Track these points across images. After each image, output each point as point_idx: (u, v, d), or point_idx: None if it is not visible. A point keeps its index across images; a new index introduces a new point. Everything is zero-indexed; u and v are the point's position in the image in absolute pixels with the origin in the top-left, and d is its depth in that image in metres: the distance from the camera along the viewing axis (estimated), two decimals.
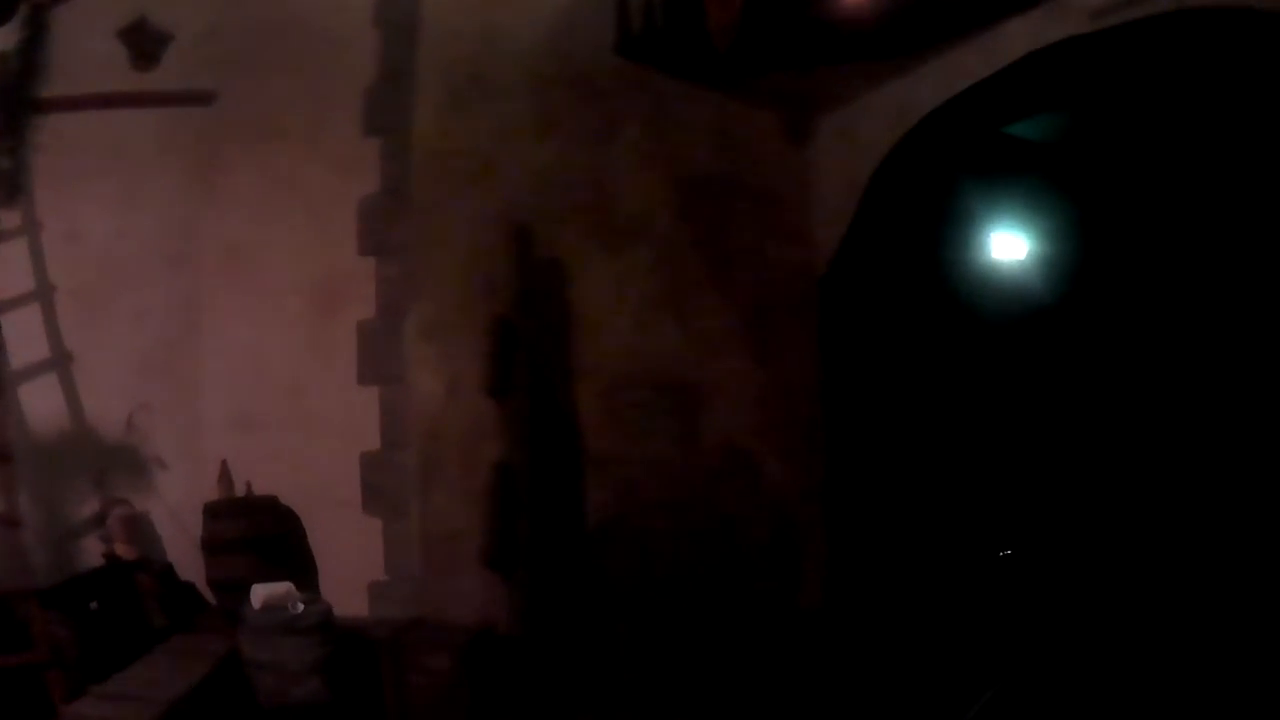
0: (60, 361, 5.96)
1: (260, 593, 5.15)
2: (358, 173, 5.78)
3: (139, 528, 5.75)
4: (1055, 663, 5.48)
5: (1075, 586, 6.32)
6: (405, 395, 5.77)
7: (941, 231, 6.72)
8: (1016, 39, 5.22)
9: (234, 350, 5.93)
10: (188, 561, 5.73)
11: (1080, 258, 7.07)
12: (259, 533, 5.55)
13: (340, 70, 5.85)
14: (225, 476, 5.75)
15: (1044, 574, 6.50)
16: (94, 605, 5.36)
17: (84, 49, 6.03)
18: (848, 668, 5.56)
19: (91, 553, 5.78)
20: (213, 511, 5.66)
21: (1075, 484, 6.89)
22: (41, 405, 5.91)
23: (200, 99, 5.96)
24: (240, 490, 5.79)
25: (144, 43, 6.02)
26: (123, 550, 5.64)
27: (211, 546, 5.59)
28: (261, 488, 5.79)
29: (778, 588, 5.86)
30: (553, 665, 5.49)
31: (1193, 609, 5.72)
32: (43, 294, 5.98)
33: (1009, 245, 7.15)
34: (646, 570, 5.69)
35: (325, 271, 5.83)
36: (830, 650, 5.68)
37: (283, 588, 5.19)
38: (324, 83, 5.87)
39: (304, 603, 5.11)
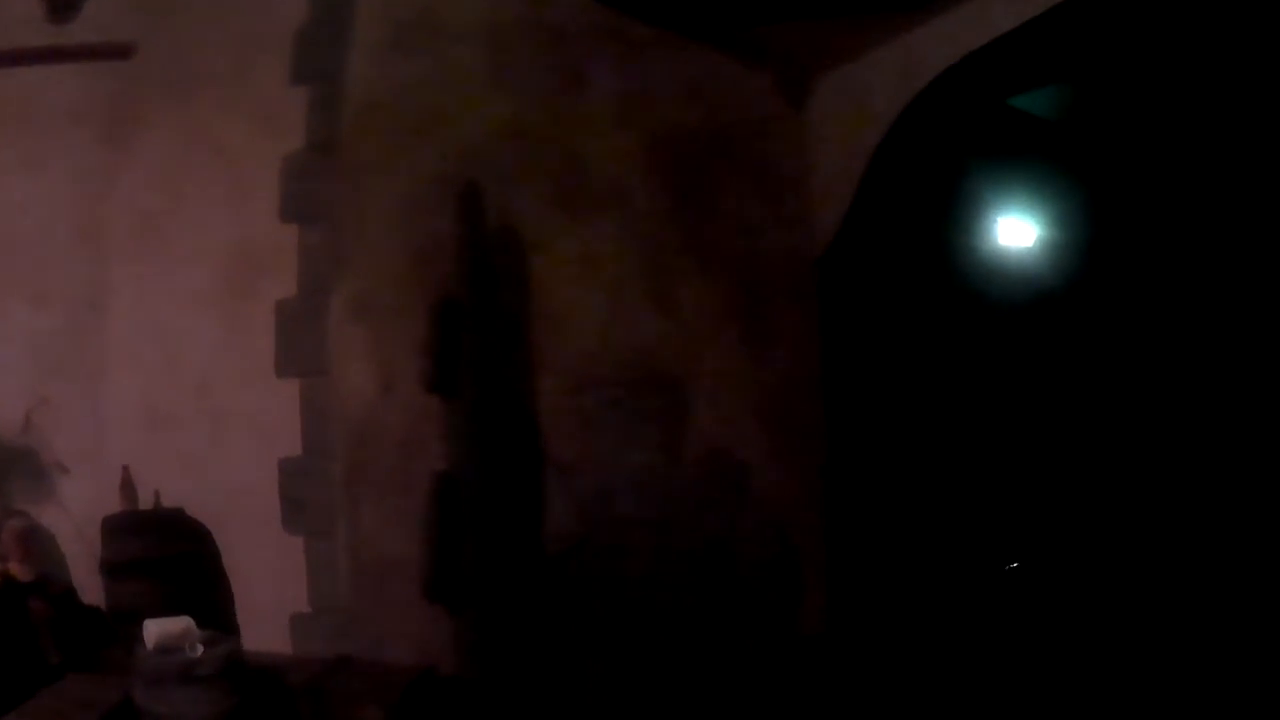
0: None
1: (153, 630, 4.22)
2: (283, 127, 5.06)
3: (37, 543, 4.97)
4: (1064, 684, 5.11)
5: (1089, 600, 5.93)
6: (330, 390, 4.96)
7: (954, 210, 6.03)
8: None
9: (143, 336, 5.22)
10: (95, 584, 4.92)
11: (1097, 243, 6.52)
12: (163, 553, 4.76)
13: (269, 10, 5.13)
14: (128, 485, 5.00)
15: (1057, 588, 6.08)
16: None
17: None
18: (852, 699, 5.02)
19: None
20: (111, 527, 4.87)
21: (1092, 488, 6.41)
22: None
23: (119, 52, 5.29)
24: (147, 501, 5.01)
25: None
26: (17, 570, 4.79)
27: (111, 568, 4.78)
28: (172, 498, 5.02)
29: (774, 613, 5.14)
30: (509, 713, 4.71)
31: (1216, 625, 5.39)
32: None
33: (1025, 228, 6.50)
34: (621, 599, 4.91)
35: (243, 242, 5.11)
36: (833, 680, 5.09)
37: (180, 624, 4.26)
38: (251, 25, 5.16)
39: (204, 643, 4.18)
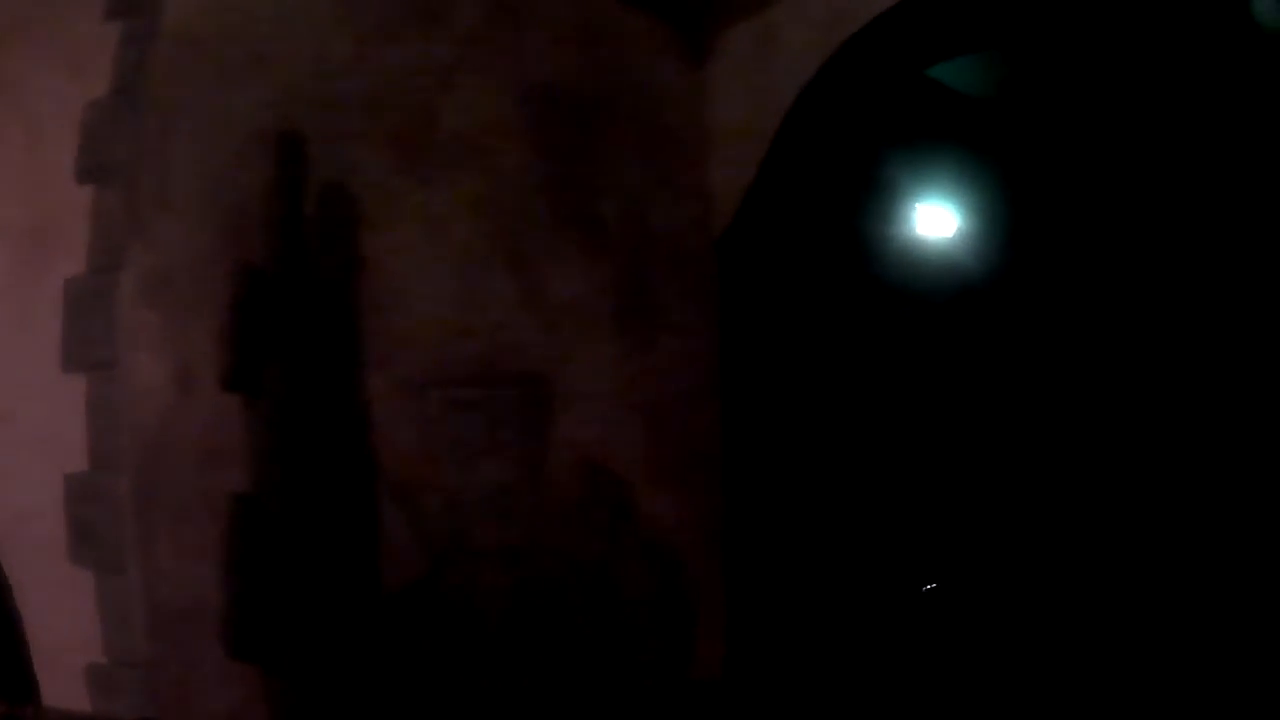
0: None
1: None
2: (91, 70, 4.23)
3: None
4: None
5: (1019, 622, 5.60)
6: (118, 389, 4.03)
7: (875, 190, 5.39)
8: None
9: None
10: None
11: (1027, 234, 6.07)
12: None
13: None
14: None
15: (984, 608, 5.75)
16: None
17: None
18: None
19: None
20: None
21: (1024, 496, 6.09)
22: None
23: None
24: None
25: None
26: None
27: None
28: None
29: (662, 658, 4.37)
30: None
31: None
32: None
33: (951, 214, 5.92)
34: (478, 645, 4.07)
35: (37, 208, 4.29)
36: None
37: None
38: None
39: None
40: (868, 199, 5.38)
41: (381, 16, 4.17)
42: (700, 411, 4.39)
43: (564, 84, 4.36)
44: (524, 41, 4.31)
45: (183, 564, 3.90)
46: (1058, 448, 6.19)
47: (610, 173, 4.38)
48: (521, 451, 4.15)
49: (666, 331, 4.37)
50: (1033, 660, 5.46)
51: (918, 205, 5.84)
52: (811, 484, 5.02)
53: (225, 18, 4.08)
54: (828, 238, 5.02)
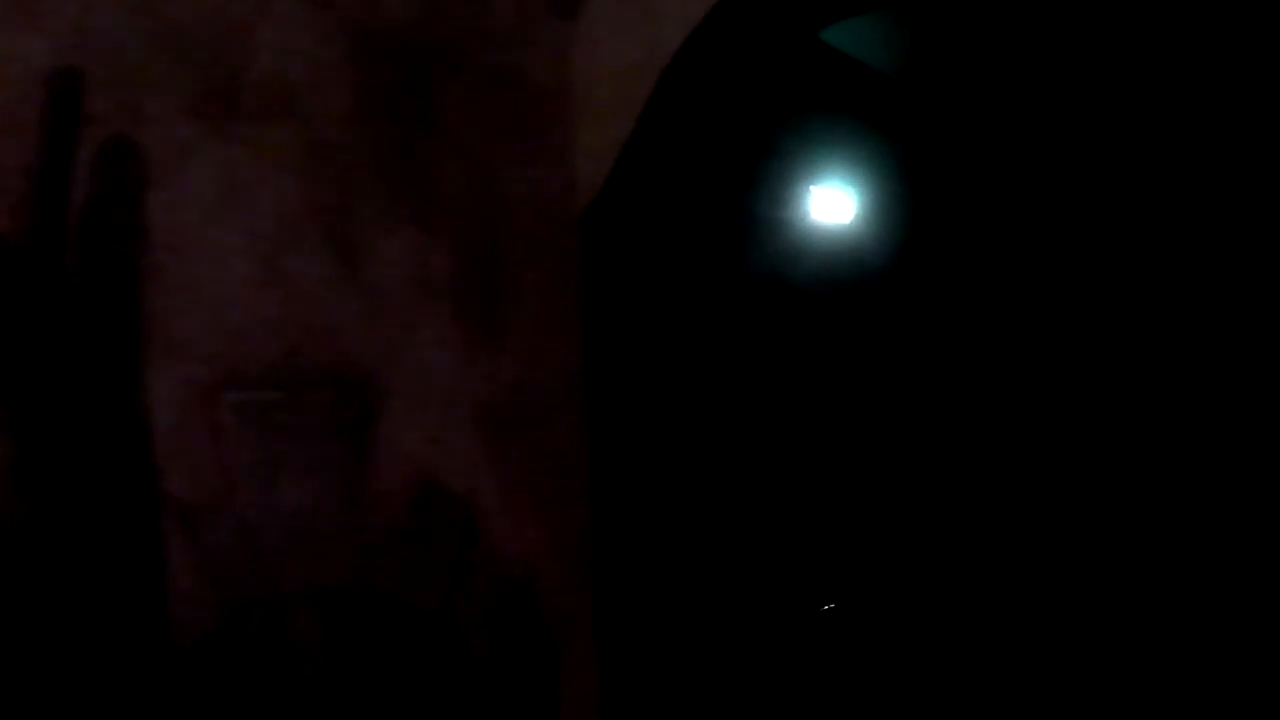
0: None
1: None
2: None
3: None
4: None
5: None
6: None
7: (764, 162, 4.74)
8: None
9: None
10: None
11: (929, 225, 5.54)
12: None
13: None
14: None
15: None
16: None
17: None
18: None
19: None
20: None
21: (925, 506, 5.65)
22: None
23: None
24: None
25: None
26: None
27: None
28: None
29: (520, 716, 3.56)
30: None
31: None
32: None
33: (848, 195, 5.32)
34: (287, 712, 3.26)
35: None
36: None
37: None
38: None
39: None
40: (757, 176, 4.73)
41: None
42: (561, 417, 3.63)
43: (402, 28, 3.63)
44: None
45: None
46: (958, 452, 5.70)
47: (455, 134, 3.65)
48: (338, 468, 3.38)
49: (519, 322, 3.61)
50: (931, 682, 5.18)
51: (812, 187, 5.23)
52: (693, 499, 4.36)
53: None
54: (711, 218, 4.34)
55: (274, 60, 3.45)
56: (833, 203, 5.35)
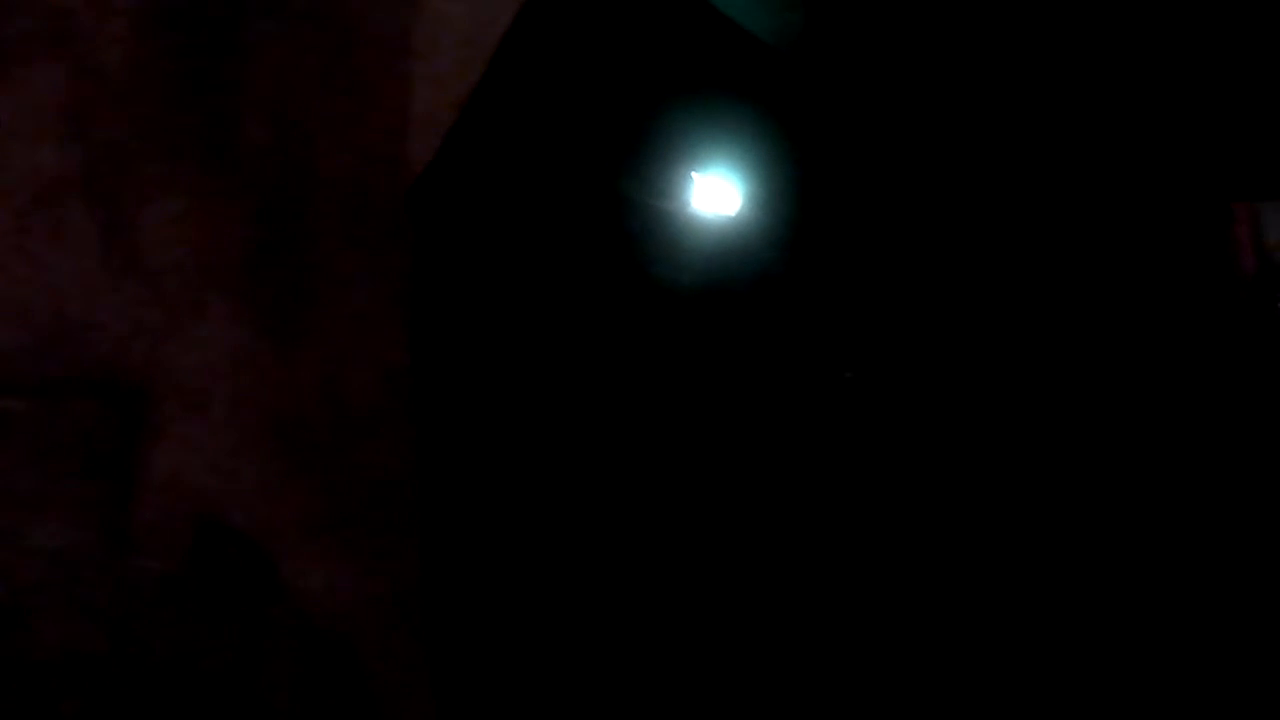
0: None
1: None
2: None
3: None
4: None
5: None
6: None
7: (637, 137, 4.16)
8: None
9: None
10: None
11: (814, 221, 5.02)
12: None
13: None
14: None
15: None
16: None
17: None
18: None
19: None
20: None
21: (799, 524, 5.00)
22: None
23: None
24: None
25: None
26: None
27: None
28: None
29: None
30: None
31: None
32: None
33: (736, 182, 4.79)
34: None
35: None
36: None
37: None
38: None
39: None
40: (629, 157, 4.16)
41: None
42: (380, 433, 3.00)
43: None
44: None
45: None
46: (848, 466, 5.21)
47: (261, 84, 3.00)
48: (99, 500, 2.72)
49: (330, 317, 2.97)
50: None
51: (695, 174, 4.68)
52: (552, 522, 3.74)
53: None
54: (571, 200, 3.75)
55: None
56: (718, 192, 4.82)
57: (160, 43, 2.90)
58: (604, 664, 3.60)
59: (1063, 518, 4.59)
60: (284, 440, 2.83)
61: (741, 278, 4.78)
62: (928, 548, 4.79)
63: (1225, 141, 4.44)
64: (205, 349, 2.78)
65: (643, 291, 4.27)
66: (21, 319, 2.65)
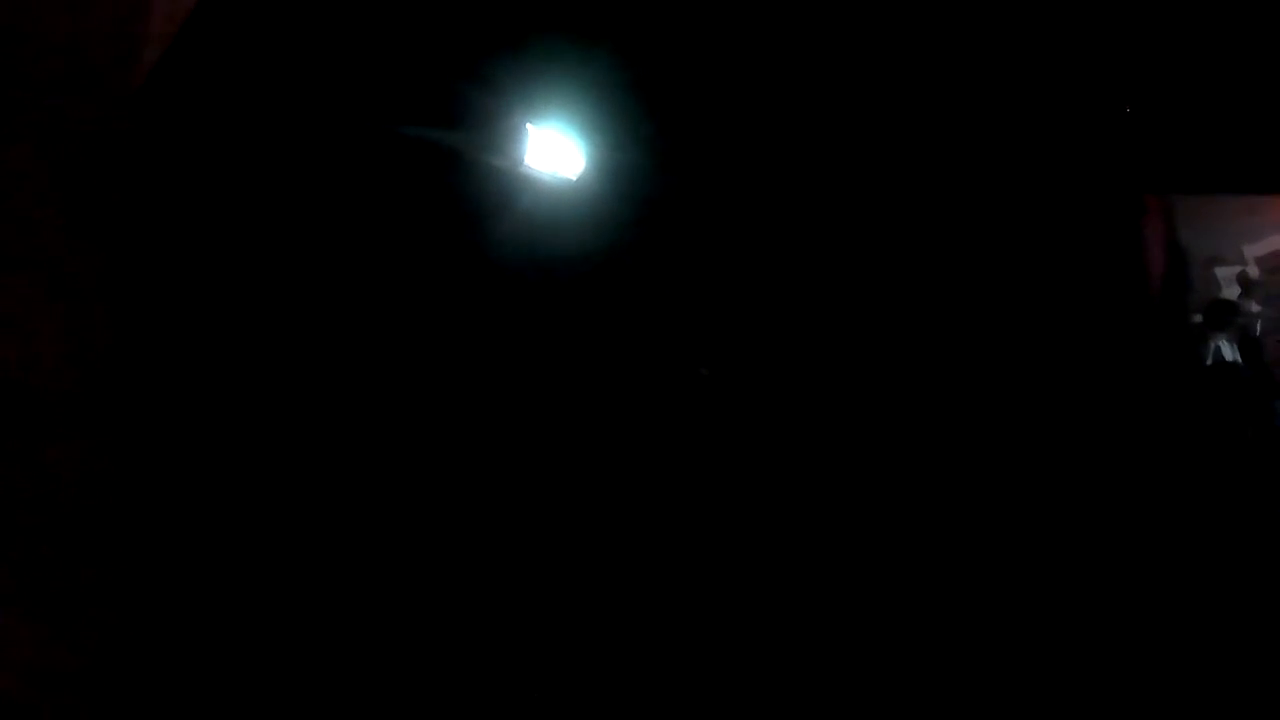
0: None
1: None
2: None
3: None
4: None
5: None
6: None
7: (461, 83, 3.54)
8: None
9: None
10: None
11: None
12: None
13: None
14: None
15: None
16: None
17: None
18: None
19: None
20: None
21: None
22: None
23: None
24: None
25: None
26: None
27: None
28: None
29: None
30: None
31: None
32: None
33: (577, 139, 4.21)
34: None
35: None
36: None
37: None
38: None
39: None
40: (449, 106, 3.53)
41: None
42: (71, 434, 2.31)
43: None
44: None
45: None
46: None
47: None
48: None
49: (25, 300, 2.26)
50: None
51: (530, 127, 4.06)
52: (311, 541, 2.94)
53: None
54: (365, 145, 3.08)
55: None
56: (557, 149, 4.19)
57: None
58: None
59: (926, 513, 4.12)
60: None
61: (580, 251, 4.09)
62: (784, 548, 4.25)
63: (1139, 130, 3.94)
64: None
65: (462, 251, 3.68)
66: None
